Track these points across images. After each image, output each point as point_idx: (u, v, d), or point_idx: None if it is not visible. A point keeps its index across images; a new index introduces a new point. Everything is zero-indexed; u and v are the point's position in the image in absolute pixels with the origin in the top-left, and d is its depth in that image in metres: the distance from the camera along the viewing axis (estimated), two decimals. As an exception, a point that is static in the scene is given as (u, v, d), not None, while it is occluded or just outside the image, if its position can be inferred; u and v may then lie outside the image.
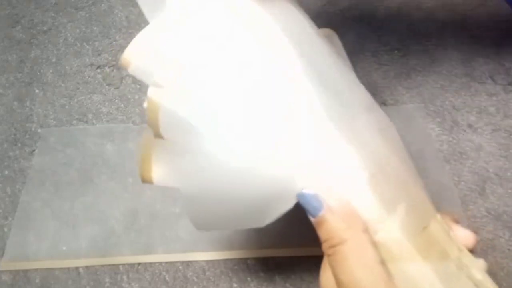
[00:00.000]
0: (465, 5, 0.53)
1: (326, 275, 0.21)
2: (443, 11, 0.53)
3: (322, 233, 0.21)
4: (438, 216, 0.23)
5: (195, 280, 0.36)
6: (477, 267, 0.21)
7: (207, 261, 0.36)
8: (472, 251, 0.22)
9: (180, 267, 0.36)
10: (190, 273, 0.36)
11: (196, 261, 0.36)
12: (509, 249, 0.35)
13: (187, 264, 0.36)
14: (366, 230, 0.21)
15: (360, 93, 0.24)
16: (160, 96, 0.23)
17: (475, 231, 0.36)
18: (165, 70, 0.23)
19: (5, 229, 0.39)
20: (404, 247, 0.21)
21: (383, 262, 0.20)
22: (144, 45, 0.24)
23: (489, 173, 0.39)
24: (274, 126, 0.22)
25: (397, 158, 0.22)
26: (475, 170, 0.39)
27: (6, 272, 0.37)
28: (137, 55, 0.24)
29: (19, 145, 0.45)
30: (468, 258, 0.21)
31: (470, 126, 0.42)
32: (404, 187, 0.22)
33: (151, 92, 0.23)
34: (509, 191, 0.38)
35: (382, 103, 0.45)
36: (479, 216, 0.37)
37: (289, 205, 0.22)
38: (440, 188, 0.38)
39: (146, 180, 0.25)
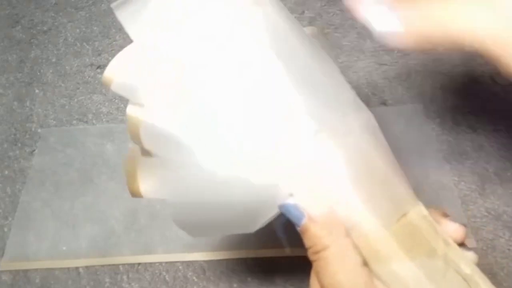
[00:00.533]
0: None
1: (314, 281, 0.22)
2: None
3: (306, 241, 0.22)
4: (422, 208, 0.22)
5: (195, 280, 0.36)
6: (466, 261, 0.21)
7: (207, 261, 0.36)
8: (463, 244, 0.22)
9: (180, 267, 0.36)
10: (190, 273, 0.36)
11: (196, 261, 0.36)
12: (509, 249, 0.35)
13: (187, 264, 0.36)
14: (348, 235, 0.21)
15: (346, 94, 0.24)
16: (140, 113, 0.23)
17: (475, 231, 0.36)
18: (150, 86, 0.23)
19: (5, 229, 0.39)
20: (389, 246, 0.21)
21: (365, 264, 0.21)
22: (127, 62, 0.24)
23: (489, 173, 0.39)
24: (259, 132, 0.22)
25: (381, 157, 0.23)
26: (475, 170, 0.39)
27: (6, 272, 0.37)
28: (120, 72, 0.24)
29: (19, 145, 0.45)
30: (456, 252, 0.21)
31: (470, 126, 0.42)
32: (387, 186, 0.22)
33: (130, 109, 0.23)
34: (509, 191, 0.38)
35: (382, 103, 0.45)
36: (479, 216, 0.37)
37: (274, 211, 0.22)
38: (440, 188, 0.38)
39: (135, 195, 0.25)
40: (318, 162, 0.21)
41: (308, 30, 0.28)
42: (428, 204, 0.23)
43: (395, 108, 0.44)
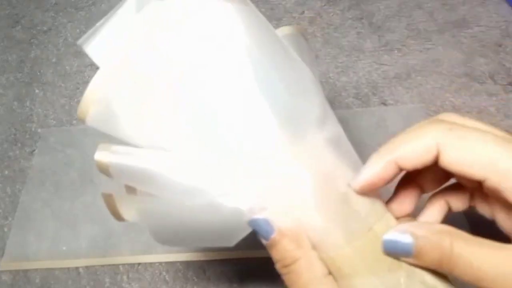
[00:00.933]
0: (465, 5, 0.53)
1: None
2: (443, 11, 0.53)
3: (274, 254, 0.22)
4: (390, 220, 0.22)
5: (195, 280, 0.36)
6: (432, 273, 0.21)
7: (207, 261, 0.36)
8: None
9: (180, 267, 0.36)
10: (190, 273, 0.36)
11: (196, 261, 0.36)
12: (509, 249, 0.35)
13: (187, 264, 0.36)
14: (313, 247, 0.22)
15: (314, 101, 0.24)
16: (109, 157, 0.24)
17: (475, 231, 0.36)
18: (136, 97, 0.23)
19: (5, 229, 0.39)
20: (350, 262, 0.21)
21: (328, 274, 0.22)
22: (103, 91, 0.23)
23: (489, 173, 0.39)
24: (235, 141, 0.22)
25: (343, 175, 0.23)
26: (475, 170, 0.39)
27: (6, 272, 0.37)
28: (95, 104, 0.23)
29: (19, 145, 0.45)
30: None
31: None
32: (348, 204, 0.22)
33: (98, 156, 0.24)
34: (509, 191, 0.38)
35: (382, 103, 0.45)
36: (479, 215, 0.37)
37: (248, 230, 0.23)
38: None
39: (119, 219, 0.26)
40: (288, 177, 0.22)
41: (285, 30, 0.28)
42: (403, 214, 0.23)
43: (395, 108, 0.44)
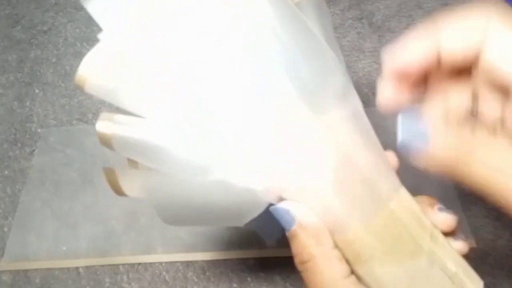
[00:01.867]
0: (465, 5, 0.53)
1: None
2: (443, 11, 0.53)
3: (293, 246, 0.22)
4: (405, 196, 0.22)
5: (195, 280, 0.36)
6: (453, 258, 0.21)
7: (207, 261, 0.36)
8: (453, 233, 0.22)
9: (180, 267, 0.36)
10: (190, 273, 0.36)
11: (196, 261, 0.36)
12: (509, 249, 0.35)
13: (187, 264, 0.36)
14: (335, 247, 0.21)
15: (335, 75, 0.23)
16: (111, 128, 0.23)
17: (475, 231, 0.36)
18: (135, 85, 0.22)
19: (5, 229, 0.39)
20: (370, 248, 0.21)
21: (352, 273, 0.21)
22: (103, 59, 0.22)
23: (489, 173, 0.39)
24: (255, 132, 0.21)
25: (363, 153, 0.22)
26: (475, 170, 0.39)
27: (6, 272, 0.37)
28: (96, 71, 0.22)
29: (19, 145, 0.45)
30: (443, 248, 0.21)
31: (470, 126, 0.42)
32: (368, 184, 0.21)
33: (100, 126, 0.23)
34: (509, 191, 0.38)
35: (382, 103, 0.45)
36: (479, 216, 0.37)
37: (262, 208, 0.22)
38: (440, 188, 0.38)
39: (120, 194, 0.25)
40: (306, 156, 0.21)
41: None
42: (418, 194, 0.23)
43: (395, 108, 0.44)
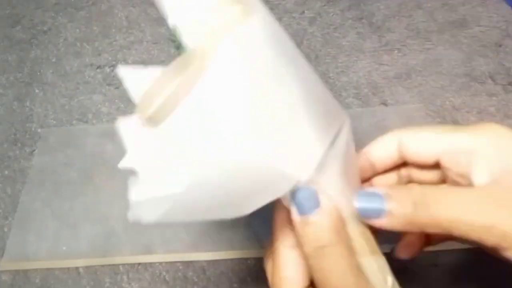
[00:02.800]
0: (465, 5, 0.53)
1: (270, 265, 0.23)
2: (443, 11, 0.53)
3: (307, 232, 0.21)
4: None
5: (195, 280, 0.36)
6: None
7: (207, 261, 0.36)
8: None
9: (180, 267, 0.36)
10: (190, 273, 0.36)
11: (196, 261, 0.36)
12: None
13: (187, 264, 0.36)
14: (350, 239, 0.22)
15: (328, 97, 0.24)
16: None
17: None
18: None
19: (5, 229, 0.39)
20: (367, 241, 0.23)
21: (359, 269, 0.21)
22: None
23: (489, 173, 0.39)
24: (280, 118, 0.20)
25: (352, 150, 0.24)
26: (475, 170, 0.39)
27: (6, 272, 0.37)
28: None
29: (19, 145, 0.45)
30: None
31: (470, 126, 0.42)
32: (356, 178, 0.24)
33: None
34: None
35: (382, 103, 0.45)
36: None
37: (281, 193, 0.21)
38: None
39: None
40: (322, 161, 0.21)
41: None
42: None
43: (395, 108, 0.44)
